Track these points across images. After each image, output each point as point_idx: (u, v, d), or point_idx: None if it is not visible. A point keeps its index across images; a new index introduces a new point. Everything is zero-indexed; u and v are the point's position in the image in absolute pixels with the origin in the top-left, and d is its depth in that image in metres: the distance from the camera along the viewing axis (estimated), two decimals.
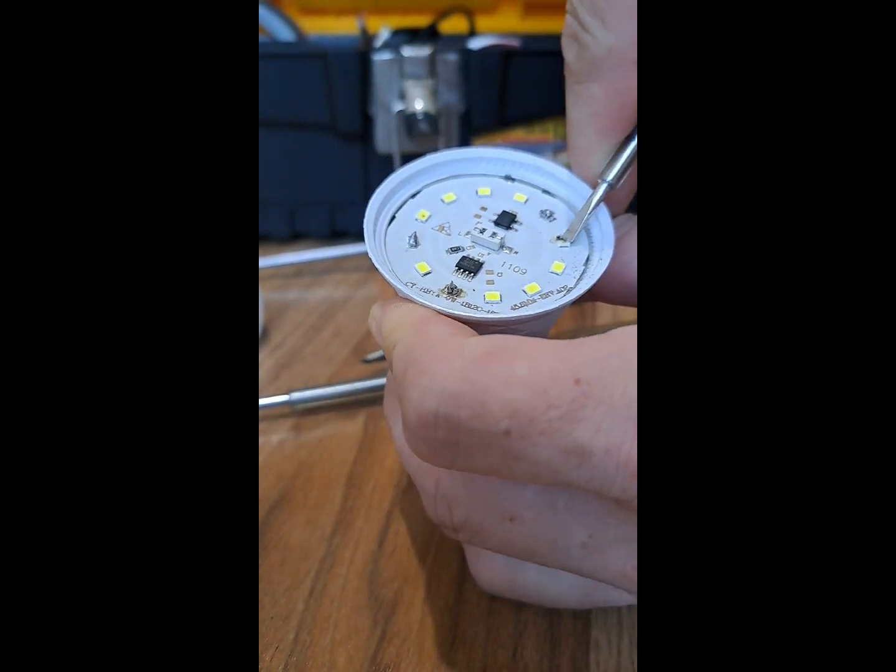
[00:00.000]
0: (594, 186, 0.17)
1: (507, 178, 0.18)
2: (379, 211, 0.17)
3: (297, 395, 0.24)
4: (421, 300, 0.15)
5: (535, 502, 0.13)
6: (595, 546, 0.13)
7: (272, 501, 0.21)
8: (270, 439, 0.23)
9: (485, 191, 0.18)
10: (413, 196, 0.18)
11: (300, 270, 0.32)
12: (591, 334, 0.28)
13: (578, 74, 0.16)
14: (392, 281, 0.15)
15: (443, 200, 0.18)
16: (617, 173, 0.17)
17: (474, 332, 0.14)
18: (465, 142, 0.31)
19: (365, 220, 0.16)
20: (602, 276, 0.16)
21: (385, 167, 0.31)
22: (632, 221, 0.17)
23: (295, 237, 0.33)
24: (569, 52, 0.16)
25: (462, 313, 0.14)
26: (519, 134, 0.30)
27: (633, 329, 0.12)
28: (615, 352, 0.11)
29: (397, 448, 0.17)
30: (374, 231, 0.17)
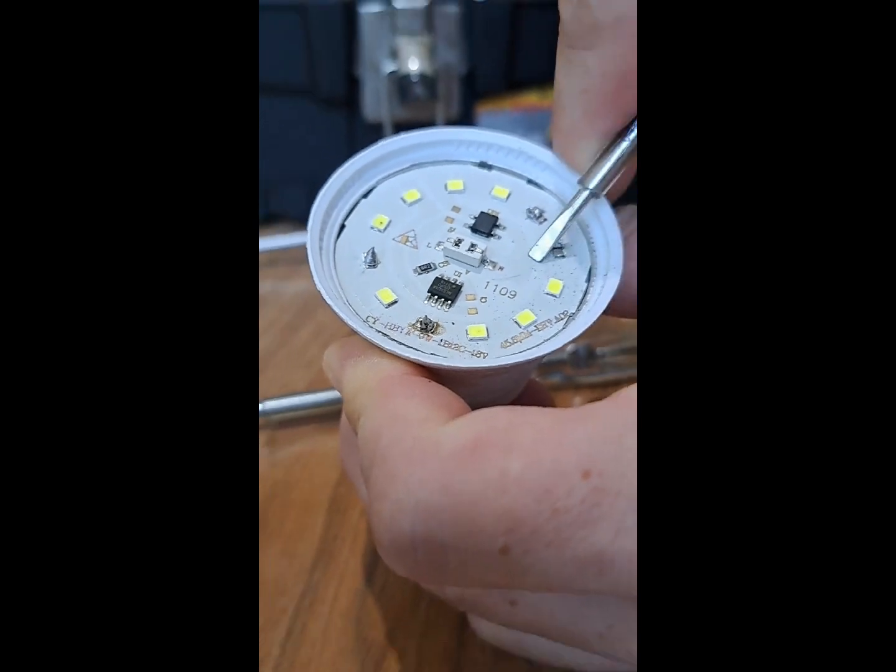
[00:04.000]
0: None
1: (483, 164, 0.16)
2: (324, 221, 0.15)
3: (271, 405, 0.23)
4: (387, 346, 0.13)
5: None
6: (615, 637, 0.12)
7: None
8: None
9: (456, 184, 0.16)
10: (366, 196, 0.16)
11: (274, 258, 0.30)
12: (614, 332, 0.26)
13: (573, 38, 0.14)
14: (348, 320, 0.13)
15: (404, 200, 0.16)
16: (601, 180, 0.14)
17: (452, 398, 0.12)
18: (468, 108, 0.29)
19: (308, 237, 0.14)
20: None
21: (374, 138, 0.30)
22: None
23: (269, 220, 0.31)
24: (565, 7, 0.14)
25: (443, 363, 0.13)
26: (531, 99, 0.29)
27: None
28: (631, 426, 0.10)
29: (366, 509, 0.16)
30: (321, 249, 0.14)
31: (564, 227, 0.15)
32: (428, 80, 0.27)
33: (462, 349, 0.14)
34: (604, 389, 0.24)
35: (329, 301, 0.13)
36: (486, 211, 0.15)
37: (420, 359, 0.13)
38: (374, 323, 0.14)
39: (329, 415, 0.23)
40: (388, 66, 0.27)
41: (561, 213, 0.15)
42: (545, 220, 0.15)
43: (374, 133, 0.29)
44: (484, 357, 0.13)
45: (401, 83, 0.27)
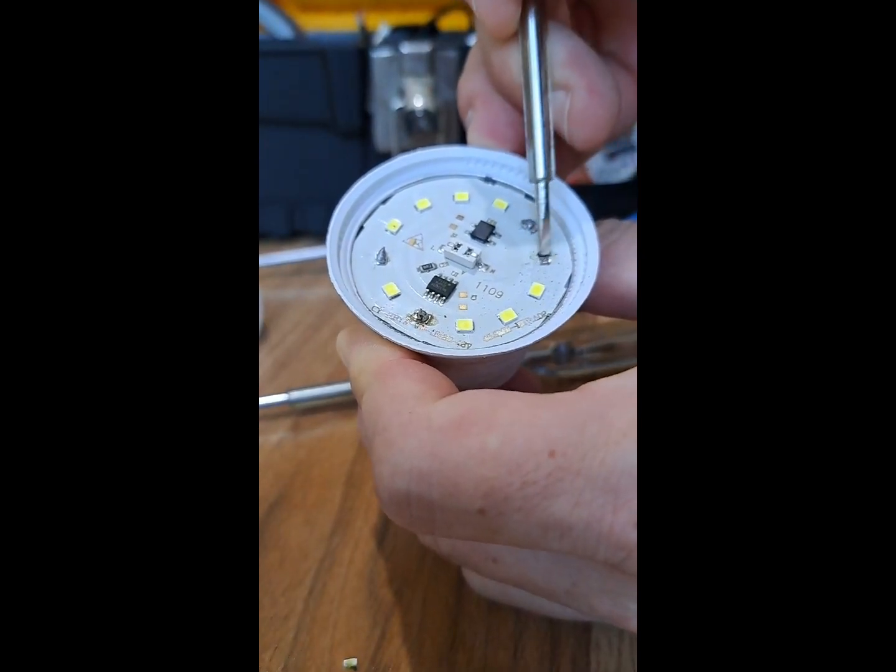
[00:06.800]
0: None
1: (488, 179, 0.17)
2: (345, 223, 0.16)
3: (295, 395, 0.24)
4: (385, 334, 0.14)
5: (516, 549, 0.13)
6: (579, 593, 0.13)
7: (271, 501, 0.21)
8: (269, 439, 0.24)
9: (462, 196, 0.17)
10: (384, 202, 0.16)
11: (299, 269, 0.32)
12: (592, 331, 0.28)
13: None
14: (355, 310, 0.14)
15: (416, 207, 0.16)
16: (543, 164, 0.15)
17: (443, 379, 0.13)
18: (464, 139, 0.30)
19: (328, 235, 0.15)
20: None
21: None
22: (619, 229, 0.16)
23: (294, 235, 0.33)
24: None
25: (431, 351, 0.14)
26: None
27: (613, 386, 0.11)
28: (593, 415, 0.11)
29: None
30: (339, 247, 0.15)
31: (543, 219, 0.15)
32: (430, 116, 0.29)
33: (450, 339, 0.14)
34: (583, 382, 0.26)
35: (339, 290, 0.14)
36: (485, 220, 0.16)
37: (411, 346, 0.14)
38: (377, 312, 0.15)
39: (346, 403, 0.24)
40: (397, 104, 0.29)
41: (537, 210, 0.15)
42: (537, 230, 0.16)
43: (384, 160, 0.31)
44: (467, 347, 0.14)
45: (407, 118, 0.29)
